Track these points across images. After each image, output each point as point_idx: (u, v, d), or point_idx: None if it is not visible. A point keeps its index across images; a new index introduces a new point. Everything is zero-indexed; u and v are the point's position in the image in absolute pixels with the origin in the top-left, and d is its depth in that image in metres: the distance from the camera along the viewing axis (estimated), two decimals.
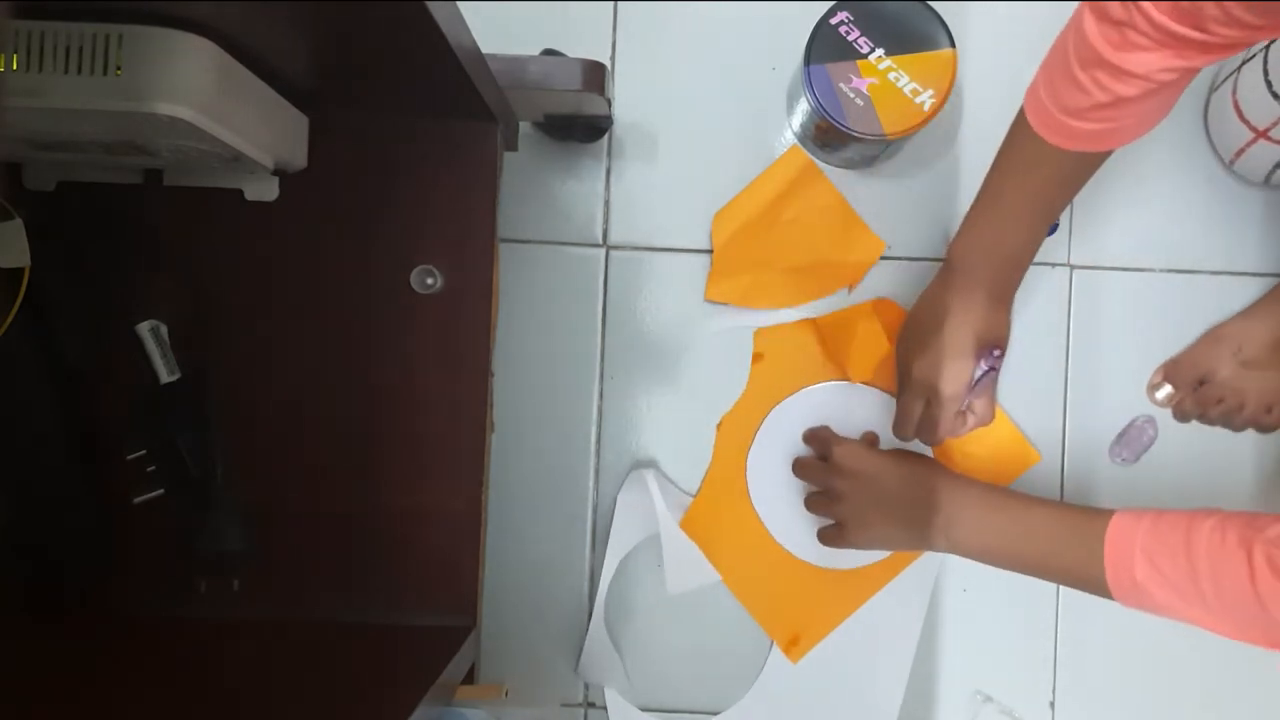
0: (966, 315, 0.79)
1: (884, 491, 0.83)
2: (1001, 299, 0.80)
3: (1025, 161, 0.73)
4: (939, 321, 0.80)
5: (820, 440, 0.88)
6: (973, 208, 0.79)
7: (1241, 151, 0.87)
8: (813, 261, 0.90)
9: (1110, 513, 0.73)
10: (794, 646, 0.90)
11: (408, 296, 0.78)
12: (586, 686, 0.90)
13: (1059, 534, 0.76)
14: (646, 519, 0.88)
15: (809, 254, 0.90)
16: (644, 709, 0.90)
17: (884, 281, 0.90)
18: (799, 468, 0.89)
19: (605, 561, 0.89)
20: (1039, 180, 0.73)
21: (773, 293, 0.90)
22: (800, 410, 0.90)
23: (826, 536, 0.86)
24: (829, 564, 0.89)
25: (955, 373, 0.80)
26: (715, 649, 0.90)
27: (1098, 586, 0.72)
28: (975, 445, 0.89)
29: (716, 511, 0.90)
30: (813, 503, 0.87)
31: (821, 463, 0.87)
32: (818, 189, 0.90)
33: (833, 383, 0.90)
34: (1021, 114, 0.71)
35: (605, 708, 0.90)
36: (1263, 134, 0.83)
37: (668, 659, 0.90)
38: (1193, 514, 0.68)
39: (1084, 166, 0.72)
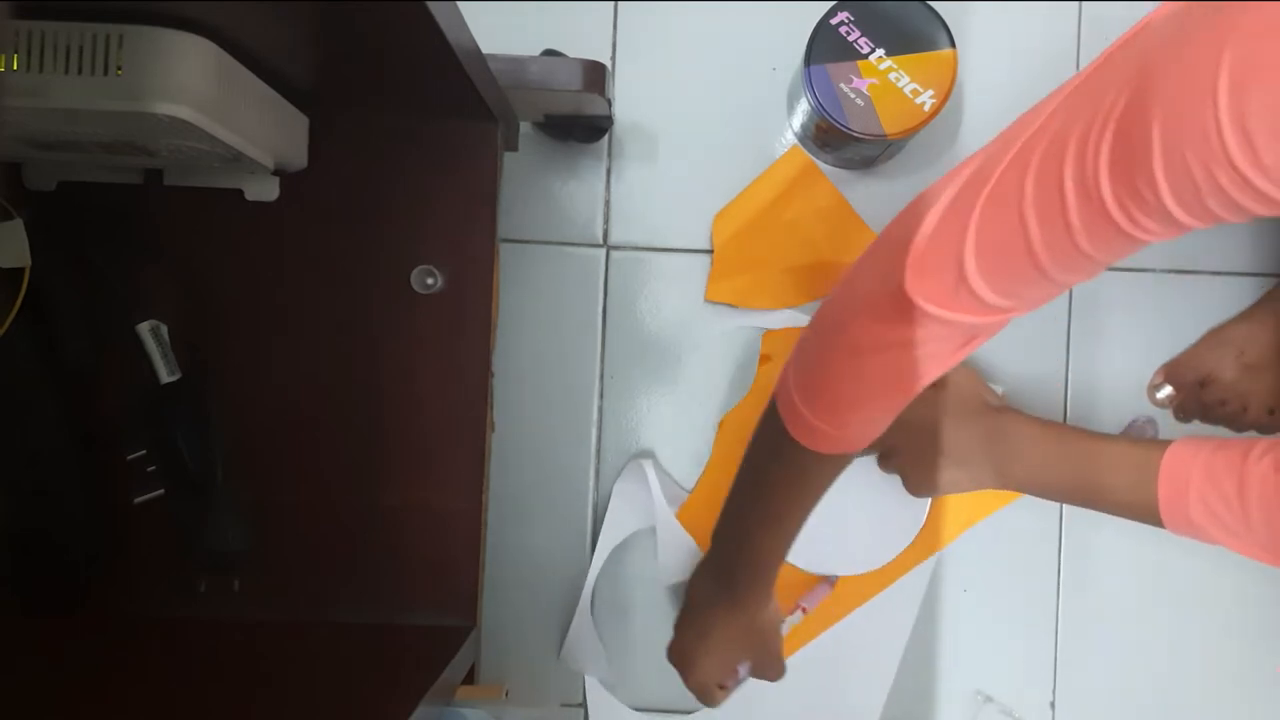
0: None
1: (936, 438, 0.83)
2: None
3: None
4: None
5: None
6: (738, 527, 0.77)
7: None
8: (813, 261, 0.90)
9: (1165, 445, 0.74)
10: None
11: (408, 296, 0.78)
12: (586, 688, 0.90)
13: (1114, 470, 0.77)
14: (642, 509, 0.88)
15: (809, 254, 0.90)
16: (628, 704, 0.90)
17: None
18: None
19: (597, 549, 0.89)
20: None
21: (773, 293, 0.90)
22: None
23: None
24: (819, 570, 0.89)
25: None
26: None
27: (1153, 520, 0.75)
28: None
29: (713, 506, 0.88)
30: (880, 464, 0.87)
31: None
32: (818, 189, 0.90)
33: None
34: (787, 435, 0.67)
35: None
36: None
37: (653, 653, 0.89)
38: (1247, 449, 0.70)
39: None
